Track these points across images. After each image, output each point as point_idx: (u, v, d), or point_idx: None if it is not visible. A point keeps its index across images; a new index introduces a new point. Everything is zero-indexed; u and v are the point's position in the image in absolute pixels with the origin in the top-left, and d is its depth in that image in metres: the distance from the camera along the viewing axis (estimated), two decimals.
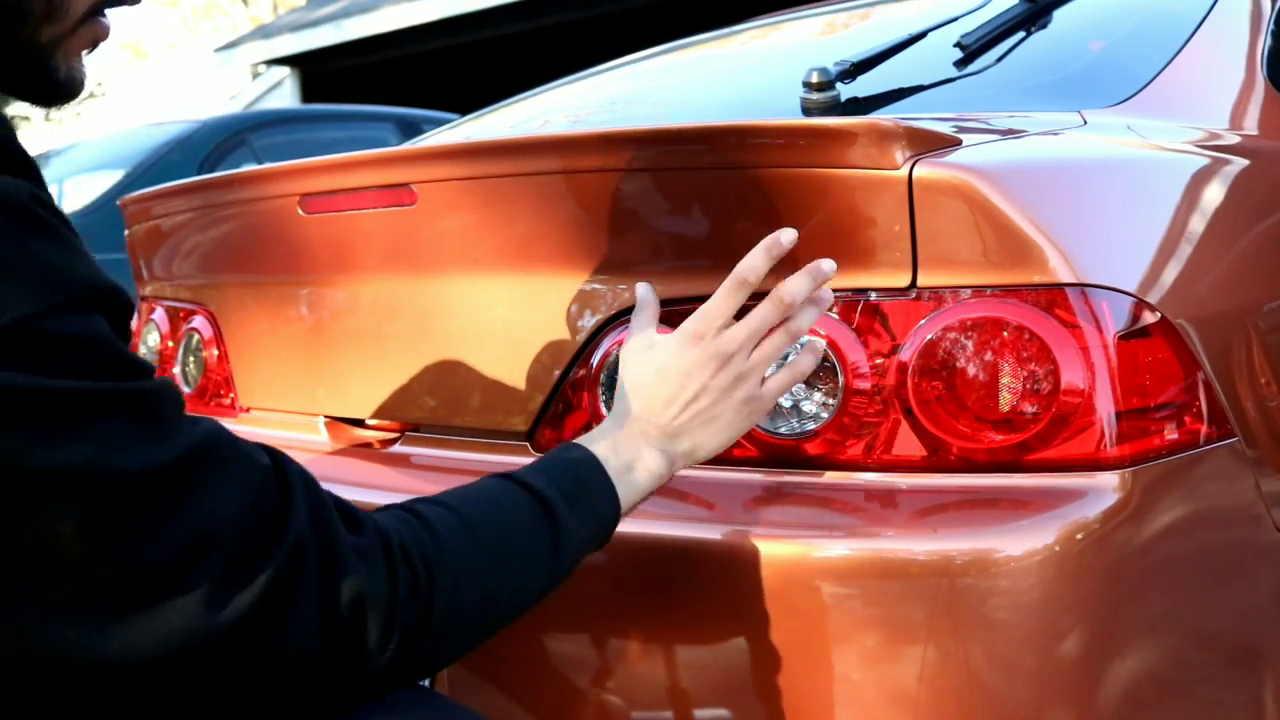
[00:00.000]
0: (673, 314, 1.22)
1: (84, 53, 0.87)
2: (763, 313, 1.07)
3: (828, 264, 1.07)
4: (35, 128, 13.00)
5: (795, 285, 1.06)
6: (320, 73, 12.01)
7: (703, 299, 1.20)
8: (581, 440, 1.05)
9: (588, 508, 0.99)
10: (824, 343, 1.12)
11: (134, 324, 1.97)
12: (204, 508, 0.74)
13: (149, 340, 1.89)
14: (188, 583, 0.73)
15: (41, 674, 0.73)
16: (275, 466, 0.81)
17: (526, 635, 1.21)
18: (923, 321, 1.12)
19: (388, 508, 0.92)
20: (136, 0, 0.88)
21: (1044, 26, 1.75)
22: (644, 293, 1.15)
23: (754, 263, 1.07)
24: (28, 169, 0.74)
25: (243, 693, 0.77)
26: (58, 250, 0.72)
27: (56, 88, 0.85)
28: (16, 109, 12.57)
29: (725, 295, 1.07)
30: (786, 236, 1.07)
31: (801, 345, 1.12)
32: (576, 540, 0.98)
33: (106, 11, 0.86)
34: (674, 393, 1.06)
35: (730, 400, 1.07)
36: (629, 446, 1.04)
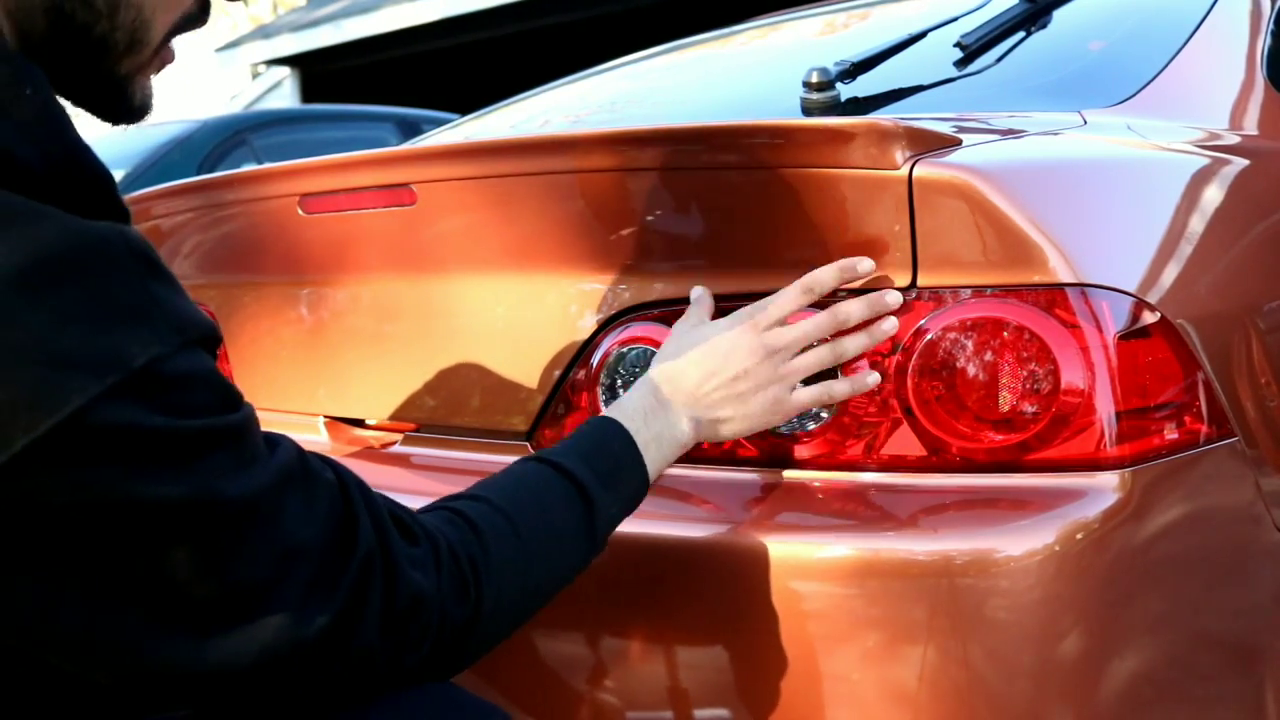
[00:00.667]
0: (672, 315, 1.22)
1: (153, 76, 0.91)
2: (819, 321, 1.10)
3: (893, 295, 1.10)
4: None
5: (854, 307, 1.10)
6: (320, 73, 12.01)
7: None
8: (614, 410, 1.07)
9: (620, 486, 1.02)
10: (877, 377, 1.12)
11: None
12: (290, 527, 0.78)
13: None
14: (278, 598, 0.76)
15: (136, 684, 0.76)
16: (337, 479, 0.84)
17: (526, 635, 1.21)
18: (923, 321, 1.12)
19: (432, 507, 0.95)
20: (203, 23, 0.92)
21: (1044, 26, 1.75)
22: (699, 292, 1.17)
23: (824, 275, 1.10)
24: (126, 213, 0.78)
25: (310, 692, 0.80)
26: (172, 292, 0.75)
27: (131, 111, 0.91)
28: None
29: (789, 295, 1.10)
30: (863, 266, 1.10)
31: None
32: (607, 520, 1.01)
33: (174, 37, 0.90)
34: (716, 366, 1.08)
35: (764, 394, 1.09)
36: (660, 415, 1.07)
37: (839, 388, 1.11)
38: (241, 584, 0.75)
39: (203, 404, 0.74)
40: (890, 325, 1.11)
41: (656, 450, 1.06)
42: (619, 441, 1.04)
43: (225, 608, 0.75)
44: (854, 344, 1.11)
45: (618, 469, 1.03)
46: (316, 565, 0.78)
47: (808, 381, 1.12)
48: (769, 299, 1.11)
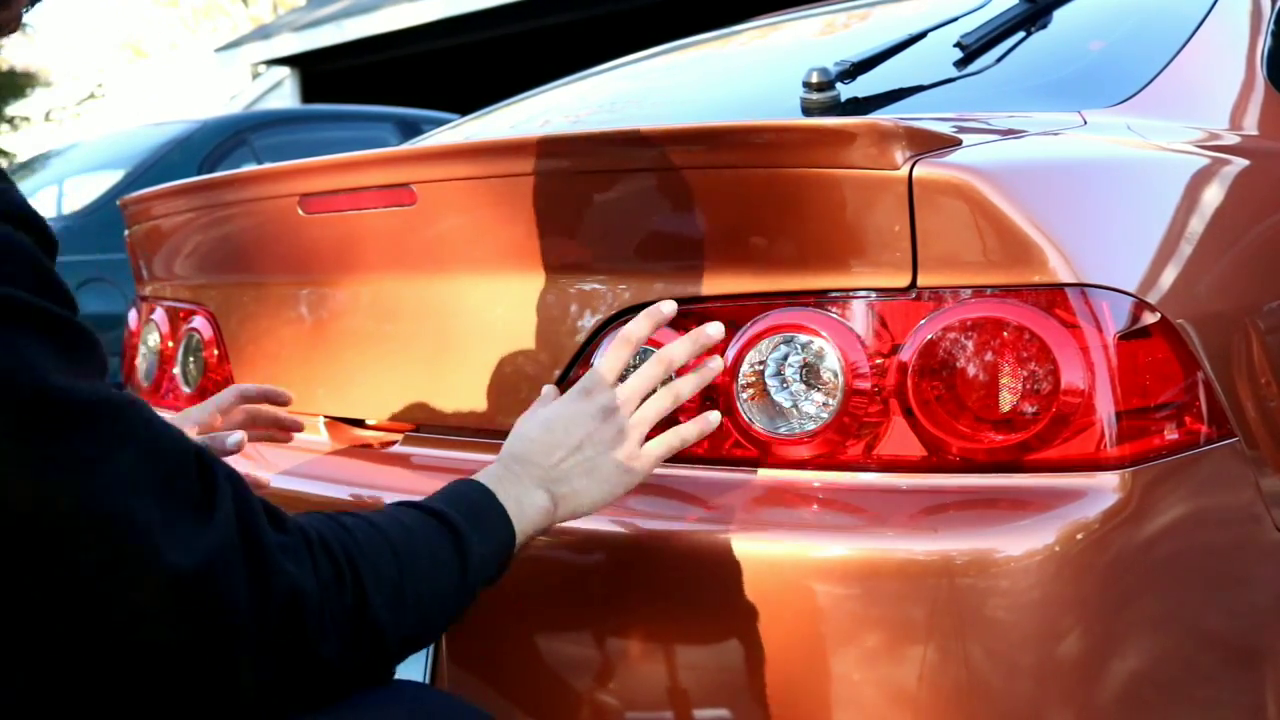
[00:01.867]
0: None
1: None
2: (649, 371, 1.11)
3: (715, 328, 1.12)
4: (35, 128, 13.00)
5: (678, 349, 1.11)
6: (320, 73, 12.01)
7: (703, 299, 1.20)
8: (468, 478, 1.07)
9: (486, 528, 1.01)
10: (718, 416, 1.13)
11: (133, 324, 1.97)
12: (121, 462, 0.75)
13: (149, 340, 1.89)
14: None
15: None
16: (200, 461, 0.82)
17: (526, 635, 1.21)
18: (923, 321, 1.12)
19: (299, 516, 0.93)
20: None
21: (1044, 26, 1.75)
22: (547, 389, 1.20)
23: (638, 326, 1.12)
24: None
25: (204, 679, 0.79)
26: None
27: None
28: (16, 109, 12.58)
29: (612, 353, 1.11)
30: (667, 308, 1.13)
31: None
32: (479, 558, 0.99)
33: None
34: (559, 439, 1.08)
35: (612, 455, 1.09)
36: (514, 484, 1.06)
37: (687, 431, 1.12)
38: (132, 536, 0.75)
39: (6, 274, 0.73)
40: (716, 365, 1.12)
41: (518, 509, 1.04)
42: (476, 491, 1.03)
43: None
44: (688, 385, 1.12)
45: (479, 511, 1.02)
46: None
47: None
48: (594, 365, 1.12)
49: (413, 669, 1.34)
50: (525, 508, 1.05)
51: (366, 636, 0.88)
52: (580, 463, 1.08)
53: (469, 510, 1.01)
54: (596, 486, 1.08)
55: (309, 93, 12.06)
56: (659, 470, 1.22)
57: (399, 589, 0.90)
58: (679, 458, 1.22)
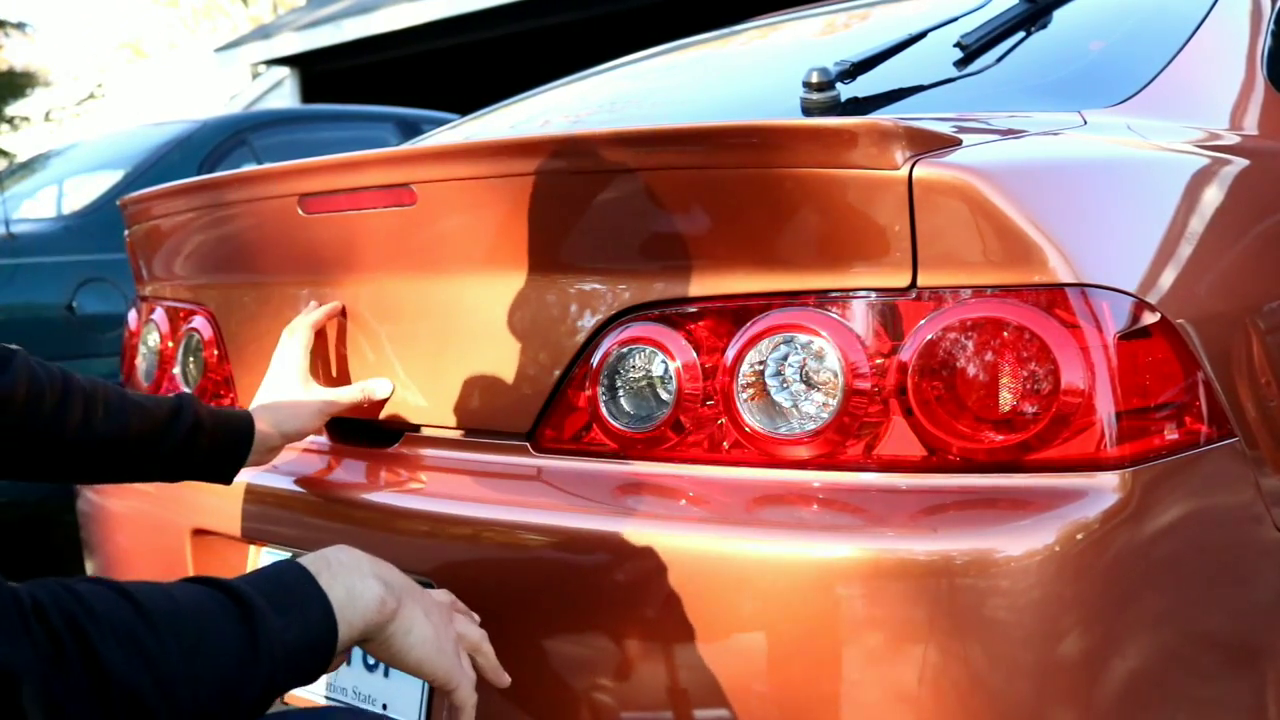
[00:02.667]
0: (673, 315, 1.22)
1: None
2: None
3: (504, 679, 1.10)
4: (35, 128, 12.99)
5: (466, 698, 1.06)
6: (320, 73, 12.00)
7: (703, 299, 1.20)
8: (293, 560, 0.99)
9: (296, 612, 0.91)
10: (507, 679, 1.11)
11: (133, 324, 1.97)
12: None
13: (149, 340, 1.89)
14: None
15: None
16: None
17: (526, 636, 1.21)
18: (923, 321, 1.12)
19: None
20: None
21: (1044, 26, 1.75)
22: None
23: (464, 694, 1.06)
24: None
25: None
26: None
27: None
28: (16, 109, 12.56)
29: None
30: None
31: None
32: (280, 643, 0.88)
33: None
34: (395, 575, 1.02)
35: (444, 619, 1.05)
36: (349, 572, 0.97)
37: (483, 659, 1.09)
38: None
39: None
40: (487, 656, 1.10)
41: (347, 596, 0.95)
42: (289, 572, 0.94)
43: None
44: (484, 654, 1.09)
45: (284, 590, 0.92)
46: None
47: None
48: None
49: None
50: (357, 599, 0.95)
51: (125, 714, 0.77)
52: (419, 596, 1.02)
53: (270, 587, 0.91)
54: (430, 627, 1.01)
55: (309, 93, 12.06)
56: (658, 470, 1.22)
57: (156, 661, 0.80)
58: (679, 458, 1.22)
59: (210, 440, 1.37)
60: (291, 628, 0.90)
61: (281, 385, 1.48)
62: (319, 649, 0.92)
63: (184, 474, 1.39)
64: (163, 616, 0.82)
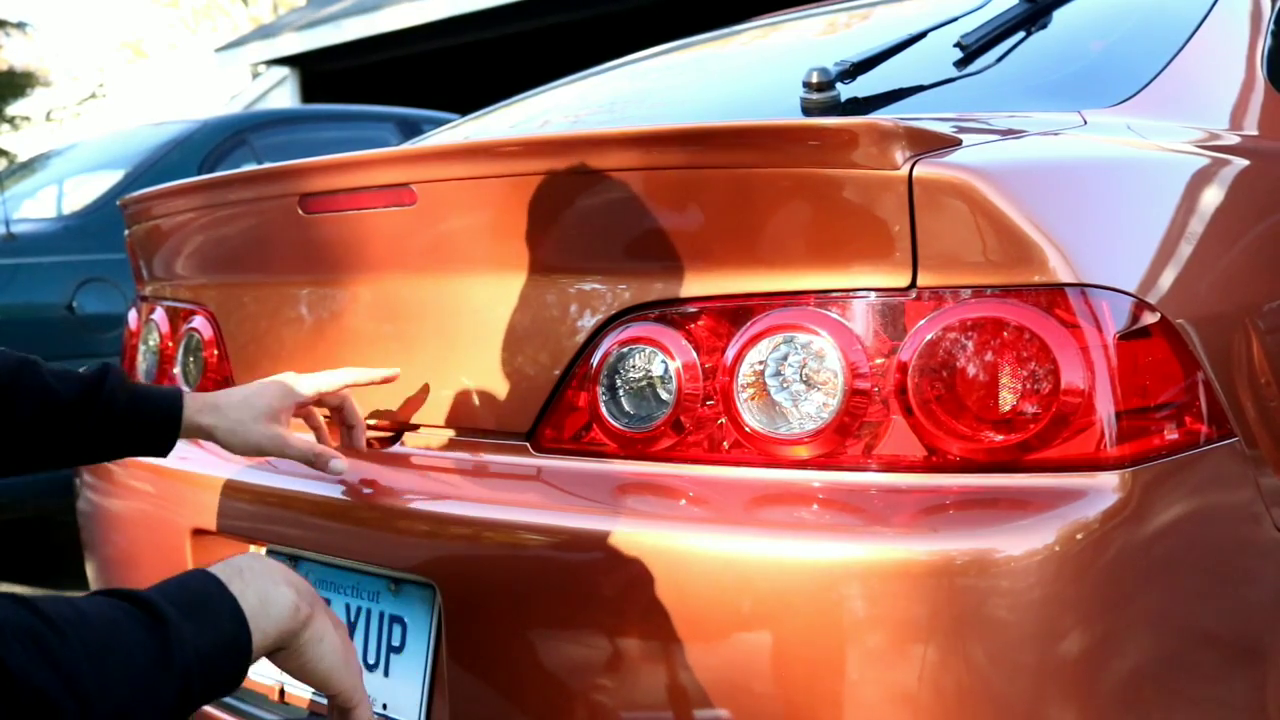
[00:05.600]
0: (673, 315, 1.23)
1: None
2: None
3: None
4: (35, 128, 13.00)
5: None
6: (320, 73, 12.00)
7: (702, 299, 1.20)
8: (203, 568, 0.99)
9: (203, 616, 0.91)
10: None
11: (133, 324, 1.97)
12: None
13: (149, 340, 1.89)
14: None
15: None
16: None
17: (526, 635, 1.21)
18: (923, 321, 1.12)
19: None
20: None
21: (1044, 26, 1.75)
22: None
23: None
24: None
25: None
26: None
27: None
28: (17, 109, 12.57)
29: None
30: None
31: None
32: (192, 648, 0.88)
33: None
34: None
35: (341, 626, 1.05)
36: (260, 579, 0.97)
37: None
38: None
39: None
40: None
41: (260, 603, 0.95)
42: (197, 580, 0.94)
43: None
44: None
45: (193, 598, 0.92)
46: None
47: None
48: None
49: (412, 670, 1.34)
50: (270, 605, 0.96)
51: (35, 713, 0.77)
52: (326, 607, 1.03)
53: (179, 595, 0.91)
54: (338, 638, 1.02)
55: (309, 93, 12.06)
56: (658, 470, 1.22)
57: (60, 661, 0.79)
58: (679, 458, 1.22)
59: (127, 412, 1.34)
60: (203, 634, 0.90)
61: (260, 398, 1.40)
62: (233, 654, 0.93)
63: (107, 450, 1.37)
64: (66, 622, 0.82)
